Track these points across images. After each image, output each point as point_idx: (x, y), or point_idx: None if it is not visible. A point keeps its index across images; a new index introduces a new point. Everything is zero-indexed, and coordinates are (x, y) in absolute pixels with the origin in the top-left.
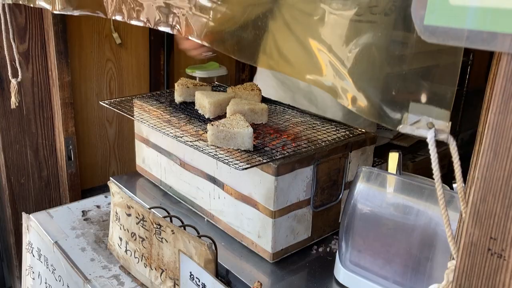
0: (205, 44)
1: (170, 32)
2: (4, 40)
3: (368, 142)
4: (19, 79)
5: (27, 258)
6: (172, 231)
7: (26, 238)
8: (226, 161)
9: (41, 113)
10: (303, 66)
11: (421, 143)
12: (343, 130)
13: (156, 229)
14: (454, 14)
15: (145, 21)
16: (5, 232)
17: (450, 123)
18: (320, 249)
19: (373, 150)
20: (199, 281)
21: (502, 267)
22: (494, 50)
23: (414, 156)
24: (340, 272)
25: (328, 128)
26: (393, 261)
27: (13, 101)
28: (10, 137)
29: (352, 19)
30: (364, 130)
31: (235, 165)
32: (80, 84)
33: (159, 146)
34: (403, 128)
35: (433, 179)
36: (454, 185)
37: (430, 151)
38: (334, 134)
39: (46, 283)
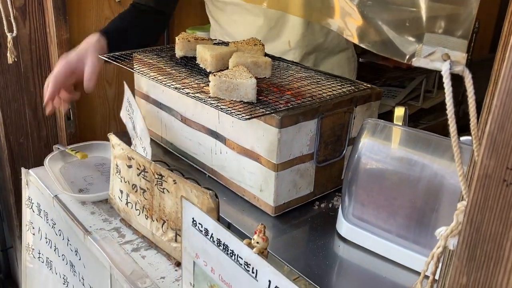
0: None
1: None
2: None
3: (374, 97)
4: (14, 34)
5: (26, 214)
6: (174, 181)
7: (25, 193)
8: (229, 111)
9: (39, 71)
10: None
11: (423, 111)
12: (348, 85)
13: (158, 180)
14: None
15: None
16: (4, 192)
17: (466, 54)
18: (322, 205)
19: (378, 106)
20: (201, 227)
21: None
22: None
23: (416, 125)
24: (343, 226)
25: (333, 83)
26: (397, 214)
27: (9, 56)
28: (8, 95)
29: None
30: (369, 86)
31: (238, 115)
32: (79, 42)
33: (159, 101)
34: (416, 62)
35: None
36: (462, 138)
37: (445, 85)
38: (339, 89)
39: (46, 238)
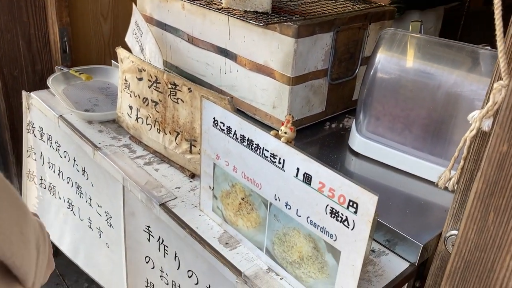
0: None
1: None
2: None
3: (388, 16)
4: None
5: (28, 139)
6: (189, 89)
7: (26, 118)
8: (247, 19)
9: (32, 0)
10: None
11: None
12: (362, 4)
13: (171, 90)
14: None
15: None
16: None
17: None
18: (333, 125)
19: (391, 25)
20: (223, 125)
21: None
22: None
23: None
24: (356, 141)
25: (346, 2)
26: (413, 125)
27: None
28: (1, 25)
29: None
30: (383, 4)
31: (254, 22)
32: None
33: (164, 22)
34: None
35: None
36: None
37: None
38: (354, 5)
39: (49, 162)
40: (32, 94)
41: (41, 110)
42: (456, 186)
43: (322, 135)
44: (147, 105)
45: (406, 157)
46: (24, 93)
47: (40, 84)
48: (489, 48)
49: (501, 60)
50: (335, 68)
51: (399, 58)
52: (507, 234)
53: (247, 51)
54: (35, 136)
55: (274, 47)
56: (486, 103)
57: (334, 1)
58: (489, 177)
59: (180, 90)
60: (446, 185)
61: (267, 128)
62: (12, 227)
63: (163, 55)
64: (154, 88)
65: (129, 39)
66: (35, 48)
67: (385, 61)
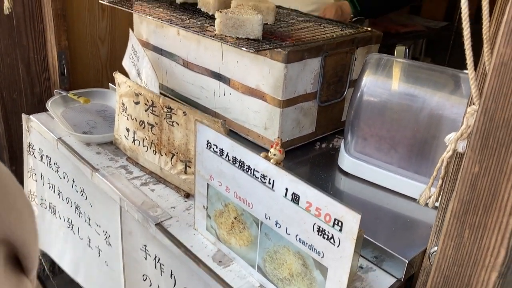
0: None
1: None
2: None
3: (374, 40)
4: None
5: (28, 161)
6: (184, 112)
7: (26, 140)
8: (237, 45)
9: (32, 25)
10: None
11: None
12: (349, 29)
13: (167, 113)
14: None
15: None
16: None
17: None
18: (323, 145)
19: (377, 50)
20: (216, 148)
21: None
22: None
23: None
24: (345, 160)
25: (334, 26)
26: (399, 145)
27: (6, 6)
28: (1, 49)
29: None
30: (370, 29)
31: (246, 48)
32: None
33: (159, 48)
34: None
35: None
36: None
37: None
38: (341, 31)
39: (49, 183)
40: (31, 117)
41: (41, 132)
42: (438, 203)
43: (312, 155)
44: (143, 127)
45: (392, 176)
46: (24, 116)
47: (38, 106)
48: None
49: (472, 87)
50: (324, 91)
51: (384, 82)
52: (481, 250)
53: (240, 75)
54: (35, 157)
55: (265, 71)
56: (461, 126)
57: (322, 27)
58: (463, 196)
59: (175, 114)
60: (427, 202)
61: (260, 148)
62: (29, 214)
63: (159, 78)
64: (151, 111)
65: (126, 63)
66: (34, 71)
67: (371, 85)
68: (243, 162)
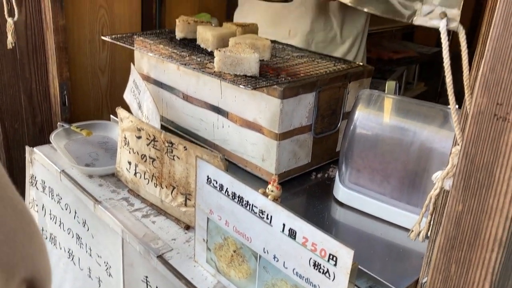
0: None
1: None
2: None
3: (366, 74)
4: (15, 19)
5: (30, 192)
6: (184, 147)
7: (29, 171)
8: (235, 82)
9: (35, 57)
10: None
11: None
12: (342, 64)
13: (168, 148)
14: None
15: None
16: None
17: (460, 11)
18: (319, 175)
19: (369, 83)
20: (216, 183)
21: (506, 129)
22: None
23: None
24: (340, 191)
25: (327, 62)
26: (391, 177)
27: (10, 41)
28: (4, 81)
29: None
30: (362, 64)
31: (244, 86)
32: (73, 30)
33: (160, 81)
34: (416, 20)
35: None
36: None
37: (442, 40)
38: (334, 66)
39: (50, 214)
40: (35, 149)
41: (44, 164)
42: (428, 236)
43: (308, 185)
44: (145, 161)
45: (385, 207)
46: (27, 148)
47: (39, 136)
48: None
49: (456, 129)
50: (319, 124)
51: (376, 116)
52: (467, 284)
53: (238, 109)
54: (37, 189)
55: (262, 106)
56: (448, 165)
57: (316, 63)
58: (449, 232)
59: (176, 148)
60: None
61: (258, 179)
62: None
63: (160, 110)
64: (152, 146)
65: (127, 96)
66: (36, 102)
67: (363, 119)
68: (242, 197)
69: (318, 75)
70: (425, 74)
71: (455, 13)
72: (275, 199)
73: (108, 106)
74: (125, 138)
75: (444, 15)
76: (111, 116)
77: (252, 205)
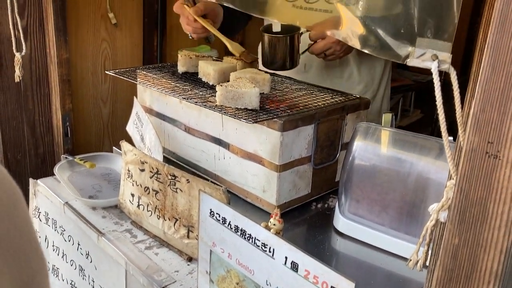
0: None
1: None
2: (9, 14)
3: (363, 106)
4: (23, 53)
5: (33, 224)
6: (187, 180)
7: (32, 203)
8: (236, 116)
9: (38, 89)
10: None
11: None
12: (339, 96)
13: (171, 180)
14: None
15: None
16: None
17: (451, 54)
18: (319, 205)
19: (366, 115)
20: (219, 216)
21: (498, 166)
22: None
23: None
24: (339, 222)
25: (325, 94)
26: (389, 207)
27: (17, 74)
28: (8, 113)
29: None
30: (358, 96)
31: (245, 120)
32: (76, 62)
33: (162, 114)
34: (410, 62)
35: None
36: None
37: (434, 80)
38: (332, 99)
39: (53, 245)
40: (38, 181)
41: (47, 196)
42: (426, 266)
43: (309, 215)
44: (148, 193)
45: (385, 237)
46: (31, 180)
47: (42, 166)
48: (452, 139)
49: (450, 164)
50: (318, 155)
51: (374, 148)
52: None
53: (239, 141)
54: (40, 220)
55: (263, 138)
56: (442, 198)
57: (314, 95)
58: (446, 265)
59: (179, 181)
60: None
61: (259, 210)
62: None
63: (162, 142)
64: (155, 178)
65: (130, 128)
66: (39, 133)
67: (361, 151)
68: (244, 230)
69: (316, 107)
70: (421, 102)
71: (446, 55)
72: (277, 233)
73: (110, 136)
74: (128, 170)
75: (435, 57)
76: (114, 147)
77: (255, 238)
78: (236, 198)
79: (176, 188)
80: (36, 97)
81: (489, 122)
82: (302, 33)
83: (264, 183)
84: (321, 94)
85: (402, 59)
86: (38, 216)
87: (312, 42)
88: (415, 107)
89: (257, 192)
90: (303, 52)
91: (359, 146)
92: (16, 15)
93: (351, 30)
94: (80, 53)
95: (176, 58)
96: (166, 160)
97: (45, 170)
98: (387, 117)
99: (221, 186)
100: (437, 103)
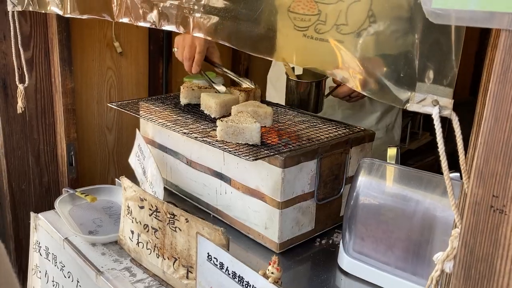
0: (218, 41)
1: (176, 30)
2: (13, 46)
3: (367, 139)
4: (26, 85)
5: (34, 258)
6: (186, 219)
7: (33, 237)
8: (236, 153)
9: (43, 119)
10: (321, 59)
11: (410, 152)
12: (343, 128)
13: (170, 219)
14: None
15: (152, 22)
16: (5, 236)
17: (452, 100)
18: (323, 241)
19: (371, 147)
20: (217, 261)
21: (504, 221)
22: (493, 27)
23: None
24: (344, 260)
25: (328, 126)
26: (395, 246)
27: (20, 106)
28: (13, 143)
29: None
30: (363, 128)
31: (245, 156)
32: (81, 91)
33: (165, 146)
34: (410, 107)
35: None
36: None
37: (435, 126)
38: (335, 131)
39: (53, 281)
40: (39, 215)
41: (48, 231)
42: None
43: (312, 252)
44: (147, 231)
45: (391, 277)
46: (32, 214)
47: (46, 196)
48: (458, 175)
49: (454, 212)
50: (321, 190)
51: (378, 185)
52: None
53: (240, 176)
54: (40, 255)
55: (264, 174)
56: (447, 248)
57: (317, 128)
58: None
59: (178, 220)
60: None
61: (261, 246)
62: None
63: (164, 174)
64: (155, 216)
65: (132, 160)
66: (43, 162)
67: (365, 188)
68: (242, 277)
69: (319, 142)
70: (429, 124)
71: (447, 101)
72: (275, 282)
73: (115, 163)
74: (128, 207)
75: (436, 102)
76: (116, 179)
77: (253, 286)
78: (237, 234)
79: (175, 227)
80: (41, 126)
81: (494, 175)
82: (327, 77)
83: (266, 220)
84: (325, 126)
85: (402, 103)
86: (39, 251)
87: (335, 85)
88: (424, 129)
89: (259, 229)
90: (327, 95)
91: (363, 182)
92: (20, 47)
93: (350, 71)
94: (86, 82)
95: (182, 84)
96: (169, 192)
97: (49, 199)
98: (392, 151)
99: (220, 228)
100: (439, 151)
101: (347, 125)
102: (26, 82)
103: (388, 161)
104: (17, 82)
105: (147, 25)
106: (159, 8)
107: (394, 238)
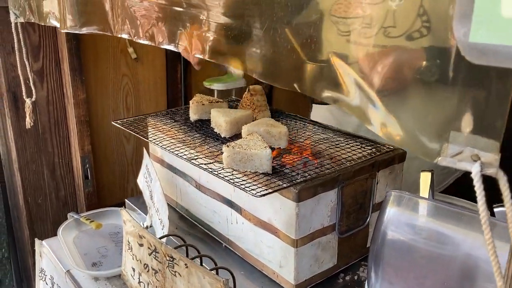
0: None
1: (175, 50)
2: (18, 59)
3: (397, 160)
4: (33, 99)
5: (39, 286)
6: (185, 264)
7: (39, 265)
8: (243, 186)
9: (57, 131)
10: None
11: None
12: (369, 147)
13: (169, 262)
14: (507, 29)
15: (150, 37)
16: (23, 253)
17: (499, 155)
18: (347, 278)
19: (402, 169)
20: None
21: None
22: None
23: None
24: None
25: (352, 145)
26: None
27: (28, 121)
28: (27, 157)
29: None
30: (392, 147)
31: (252, 190)
32: (97, 100)
33: (174, 166)
34: (442, 161)
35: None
36: (496, 209)
37: (476, 188)
38: (360, 152)
39: None
40: (43, 242)
41: (51, 261)
42: None
43: None
44: (148, 271)
45: None
46: (37, 241)
47: (63, 210)
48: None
49: (498, 279)
50: (344, 221)
51: (408, 221)
52: None
53: (251, 206)
54: (46, 283)
55: (277, 206)
56: None
57: (339, 148)
58: None
59: (177, 264)
60: None
61: (276, 286)
62: None
63: (174, 196)
64: (154, 256)
65: (140, 181)
66: (59, 176)
67: (392, 225)
68: None
69: (340, 168)
70: None
71: (492, 157)
72: None
73: (135, 173)
74: (128, 242)
75: (477, 157)
76: (126, 201)
77: None
78: (252, 268)
79: (175, 271)
80: (55, 139)
81: None
82: None
83: (281, 257)
84: (348, 145)
85: (432, 156)
86: (44, 279)
87: None
88: None
89: (273, 267)
90: None
91: (390, 217)
92: (28, 58)
93: (368, 111)
94: (101, 91)
95: (202, 87)
96: (179, 215)
97: (66, 213)
98: (425, 176)
99: (222, 279)
100: (481, 218)
101: (374, 142)
102: (34, 96)
103: (421, 188)
104: (24, 97)
105: (146, 42)
106: (159, 25)
107: (428, 285)
